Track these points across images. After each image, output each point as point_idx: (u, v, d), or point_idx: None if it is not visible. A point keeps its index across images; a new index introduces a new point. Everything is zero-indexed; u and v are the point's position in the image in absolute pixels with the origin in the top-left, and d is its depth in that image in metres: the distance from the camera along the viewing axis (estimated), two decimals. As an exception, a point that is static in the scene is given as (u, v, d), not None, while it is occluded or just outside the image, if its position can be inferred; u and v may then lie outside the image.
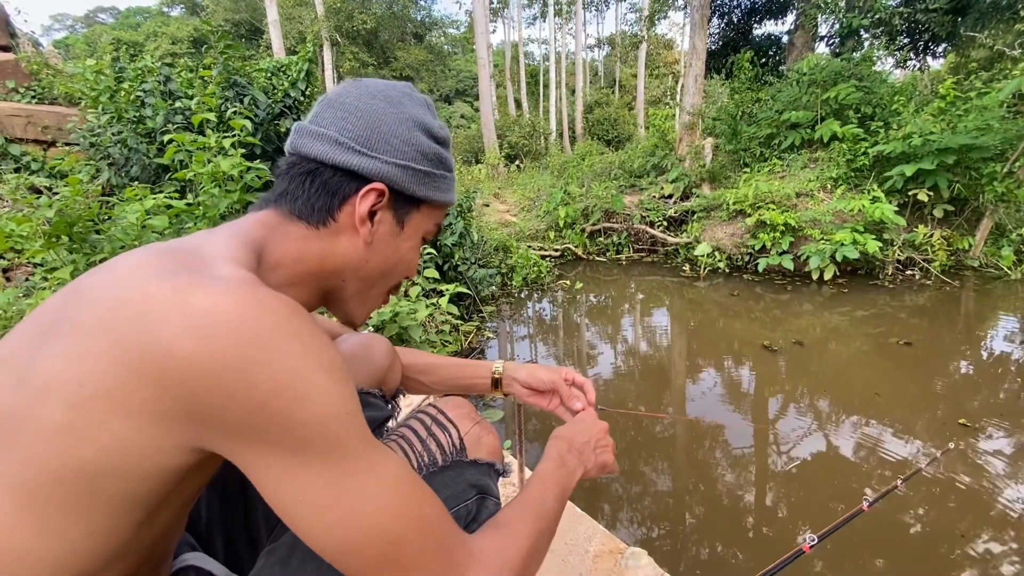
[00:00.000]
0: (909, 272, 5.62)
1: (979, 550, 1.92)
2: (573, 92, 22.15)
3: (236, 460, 0.41)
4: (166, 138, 3.02)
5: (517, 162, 14.67)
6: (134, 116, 4.17)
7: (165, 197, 2.79)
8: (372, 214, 0.56)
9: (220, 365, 0.37)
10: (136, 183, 3.49)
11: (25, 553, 0.37)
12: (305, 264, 0.55)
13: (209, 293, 0.39)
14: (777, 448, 2.73)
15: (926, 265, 5.50)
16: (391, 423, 0.85)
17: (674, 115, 9.71)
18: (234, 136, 2.94)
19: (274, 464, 0.39)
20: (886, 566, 1.85)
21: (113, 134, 4.20)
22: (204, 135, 2.90)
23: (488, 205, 8.81)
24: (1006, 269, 5.39)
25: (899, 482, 1.33)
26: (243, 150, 3.00)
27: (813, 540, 1.03)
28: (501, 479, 0.74)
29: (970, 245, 5.61)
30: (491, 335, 4.64)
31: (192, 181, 3.05)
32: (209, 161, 2.80)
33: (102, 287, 0.40)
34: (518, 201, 9.16)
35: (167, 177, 3.86)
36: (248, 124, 3.05)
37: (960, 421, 2.80)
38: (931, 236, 5.57)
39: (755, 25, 10.76)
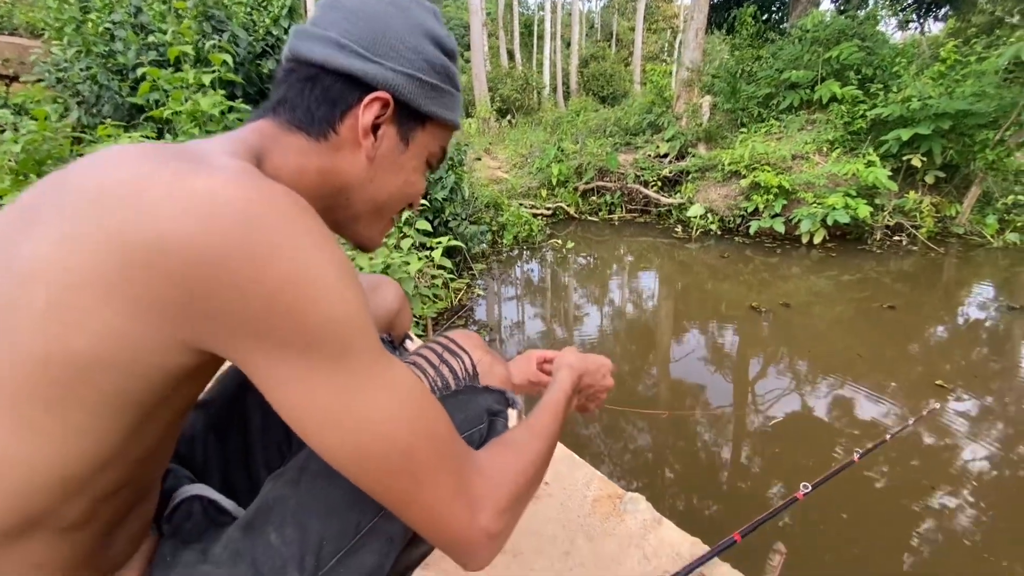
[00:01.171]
0: (896, 237, 5.68)
1: (951, 499, 2.03)
2: (568, 45, 21.37)
3: (240, 361, 0.38)
4: (139, 71, 2.82)
5: (509, 117, 14.27)
6: (103, 50, 3.89)
7: (142, 137, 2.64)
8: (375, 128, 0.52)
9: (224, 250, 0.33)
10: (109, 122, 3.30)
11: None
12: (305, 178, 0.51)
13: (211, 177, 0.36)
14: (764, 405, 2.80)
15: (913, 231, 5.55)
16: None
17: (672, 72, 9.45)
18: (213, 72, 2.76)
19: (281, 365, 0.37)
20: (871, 513, 1.94)
21: (81, 69, 3.92)
22: (180, 71, 2.72)
23: (480, 159, 8.60)
24: (989, 237, 5.47)
25: (888, 436, 1.36)
26: (224, 91, 2.82)
27: (807, 488, 1.06)
28: (511, 410, 0.73)
29: (957, 212, 5.66)
30: (481, 293, 4.62)
31: (170, 121, 2.88)
32: (187, 99, 2.64)
33: (91, 170, 0.37)
34: (510, 157, 8.96)
35: (142, 117, 3.65)
36: (228, 59, 2.86)
37: (937, 382, 2.89)
38: (921, 202, 5.60)
39: (760, -22, 10.34)
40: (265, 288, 0.34)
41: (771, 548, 0.73)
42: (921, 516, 1.95)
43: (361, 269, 2.63)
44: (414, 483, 0.41)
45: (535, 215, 6.78)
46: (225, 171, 0.37)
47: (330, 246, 0.38)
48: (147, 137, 2.73)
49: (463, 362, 0.66)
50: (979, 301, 4.24)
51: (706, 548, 0.93)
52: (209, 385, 0.70)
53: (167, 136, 2.96)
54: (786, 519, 1.86)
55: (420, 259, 3.01)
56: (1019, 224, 5.56)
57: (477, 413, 0.60)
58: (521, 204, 6.86)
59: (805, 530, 1.85)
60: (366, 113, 0.51)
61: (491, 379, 0.67)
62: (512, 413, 0.64)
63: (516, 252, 5.96)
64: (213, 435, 0.66)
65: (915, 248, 5.44)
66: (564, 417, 0.65)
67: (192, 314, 0.35)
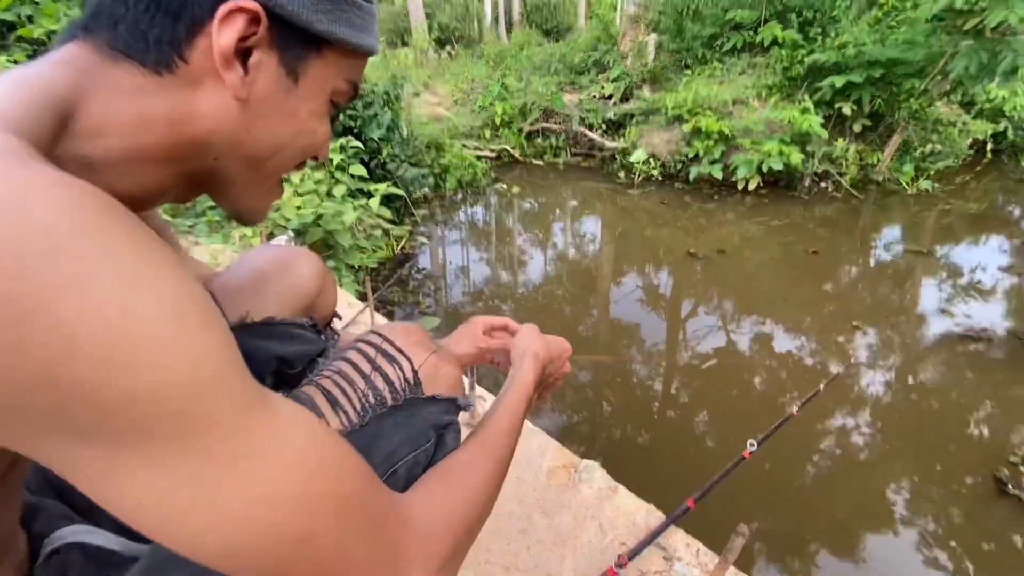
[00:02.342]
0: (823, 184, 5.97)
1: (853, 420, 2.26)
2: (510, -31, 19.94)
3: (29, 455, 0.26)
4: (-6, -21, 2.32)
5: (448, 48, 13.35)
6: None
7: (8, 62, 2.20)
8: (245, 54, 0.36)
9: None
10: (-37, 41, 2.73)
11: None
12: (151, 133, 0.34)
13: None
14: (700, 350, 2.93)
15: (838, 178, 5.84)
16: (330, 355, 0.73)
17: (618, 5, 9.09)
18: (93, -16, 2.30)
19: (96, 460, 0.25)
20: (807, 453, 2.12)
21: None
22: (50, -21, 2.25)
23: (418, 95, 8.06)
24: (904, 184, 5.86)
25: (821, 387, 1.44)
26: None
27: (754, 446, 1.09)
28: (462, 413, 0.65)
29: (878, 160, 5.98)
30: (424, 240, 4.46)
31: (45, 43, 2.42)
32: (64, 15, 2.20)
33: None
34: (451, 93, 8.46)
35: (12, 37, 3.05)
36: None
37: (853, 323, 3.13)
38: (847, 150, 5.86)
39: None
40: (38, 361, 0.22)
41: (734, 531, 0.74)
42: (833, 440, 2.17)
43: (288, 221, 2.41)
44: (317, 568, 0.30)
45: (479, 157, 6.52)
46: None
47: (150, 269, 0.25)
48: (15, 62, 2.28)
49: (401, 369, 0.54)
50: (889, 244, 4.60)
51: (660, 514, 0.94)
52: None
53: (41, 61, 2.48)
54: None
55: (356, 208, 2.80)
56: (932, 172, 5.98)
57: (421, 430, 0.50)
58: (464, 145, 6.56)
59: (753, 480, 1.99)
60: (224, 31, 0.33)
61: (437, 385, 0.56)
62: (464, 417, 0.55)
63: (460, 197, 5.76)
64: None
65: (838, 195, 5.75)
66: (524, 418, 0.57)
67: None
